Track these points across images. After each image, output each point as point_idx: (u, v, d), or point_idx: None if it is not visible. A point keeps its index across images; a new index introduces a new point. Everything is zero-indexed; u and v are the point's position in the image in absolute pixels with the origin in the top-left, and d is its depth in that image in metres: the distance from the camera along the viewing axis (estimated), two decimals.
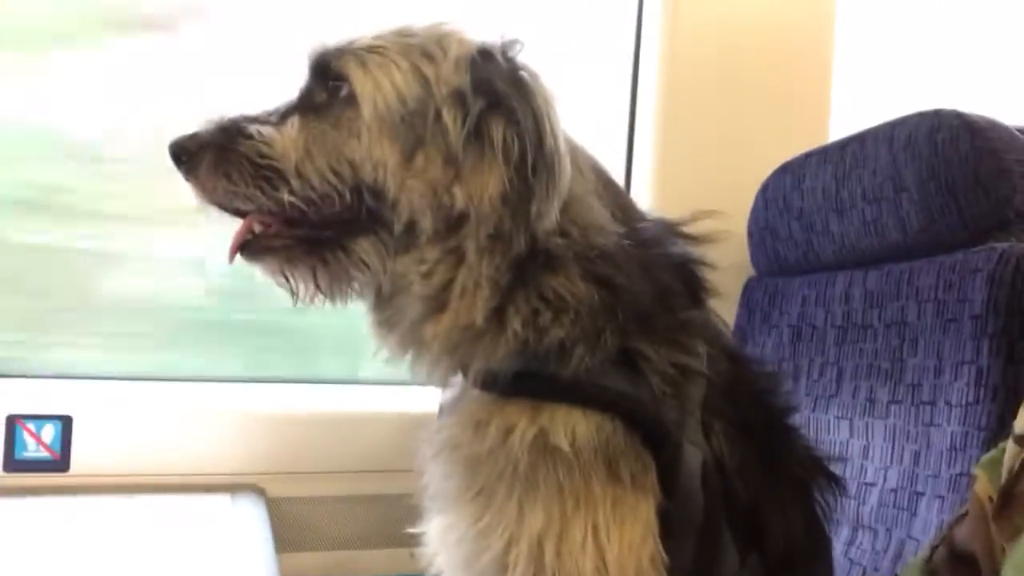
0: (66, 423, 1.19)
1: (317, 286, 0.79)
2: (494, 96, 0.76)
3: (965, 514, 0.76)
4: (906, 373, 1.11)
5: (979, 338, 1.00)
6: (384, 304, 0.81)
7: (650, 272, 0.78)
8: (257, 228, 0.79)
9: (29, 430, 1.17)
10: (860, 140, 1.24)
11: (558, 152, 0.75)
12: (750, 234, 1.46)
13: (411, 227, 0.76)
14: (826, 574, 0.85)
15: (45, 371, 1.36)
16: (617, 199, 0.85)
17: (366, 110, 0.76)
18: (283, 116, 0.79)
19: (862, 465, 1.15)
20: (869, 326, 1.20)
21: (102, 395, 1.29)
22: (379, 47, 0.79)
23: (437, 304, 0.76)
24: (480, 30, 0.82)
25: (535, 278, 0.75)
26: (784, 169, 1.38)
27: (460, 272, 0.75)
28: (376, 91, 0.77)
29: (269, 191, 0.76)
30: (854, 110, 1.77)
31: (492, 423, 0.75)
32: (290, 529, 1.28)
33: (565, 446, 0.71)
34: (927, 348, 1.09)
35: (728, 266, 1.48)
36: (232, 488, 1.25)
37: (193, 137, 0.77)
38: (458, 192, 0.75)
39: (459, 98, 0.76)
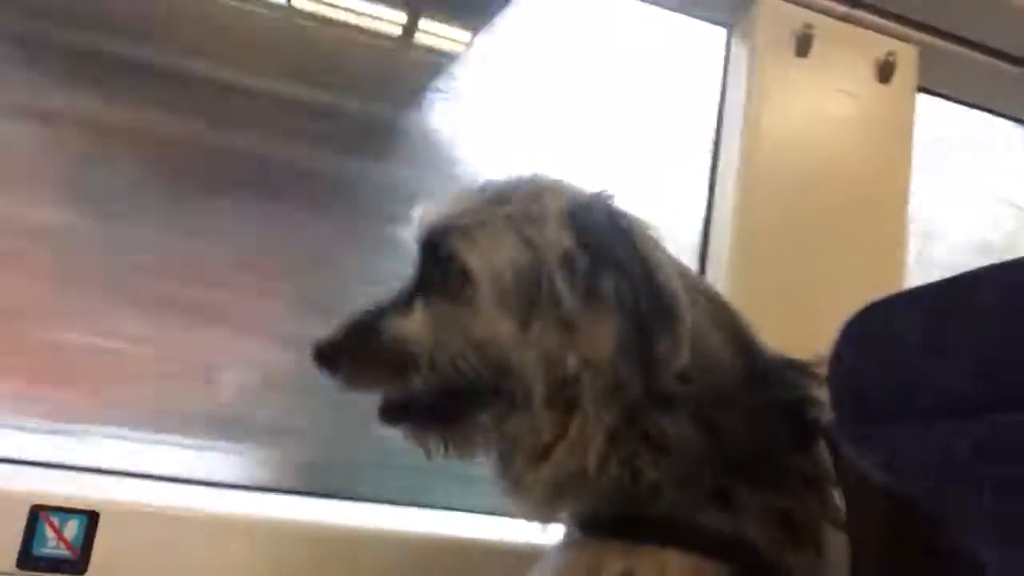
0: (92, 519, 1.09)
1: (445, 448, 0.84)
2: (600, 250, 0.77)
3: None
4: None
5: None
6: (501, 457, 0.84)
7: (758, 414, 0.78)
8: (397, 396, 0.84)
9: (52, 524, 1.08)
10: (959, 282, 1.18)
11: (674, 294, 0.75)
12: (830, 377, 1.37)
13: (527, 394, 0.77)
14: None
15: (73, 462, 1.27)
16: (734, 327, 0.83)
17: (483, 288, 0.78)
18: (407, 301, 0.83)
19: None
20: (978, 484, 1.09)
21: (132, 492, 1.20)
22: (482, 221, 0.80)
23: (540, 454, 0.78)
24: (571, 176, 0.84)
25: (642, 419, 0.76)
26: (871, 309, 1.31)
27: (572, 426, 0.76)
28: (489, 266, 0.78)
29: (401, 379, 0.81)
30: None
31: (582, 566, 0.76)
32: None
33: None
34: None
35: None
36: None
37: (332, 341, 0.82)
38: (571, 356, 0.76)
39: (567, 259, 0.77)
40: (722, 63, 1.67)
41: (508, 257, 0.78)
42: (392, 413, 0.84)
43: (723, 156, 1.63)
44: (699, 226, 1.64)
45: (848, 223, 1.62)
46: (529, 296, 0.77)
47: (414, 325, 0.81)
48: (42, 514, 1.08)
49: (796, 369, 0.85)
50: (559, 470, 0.77)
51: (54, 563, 1.07)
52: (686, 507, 0.74)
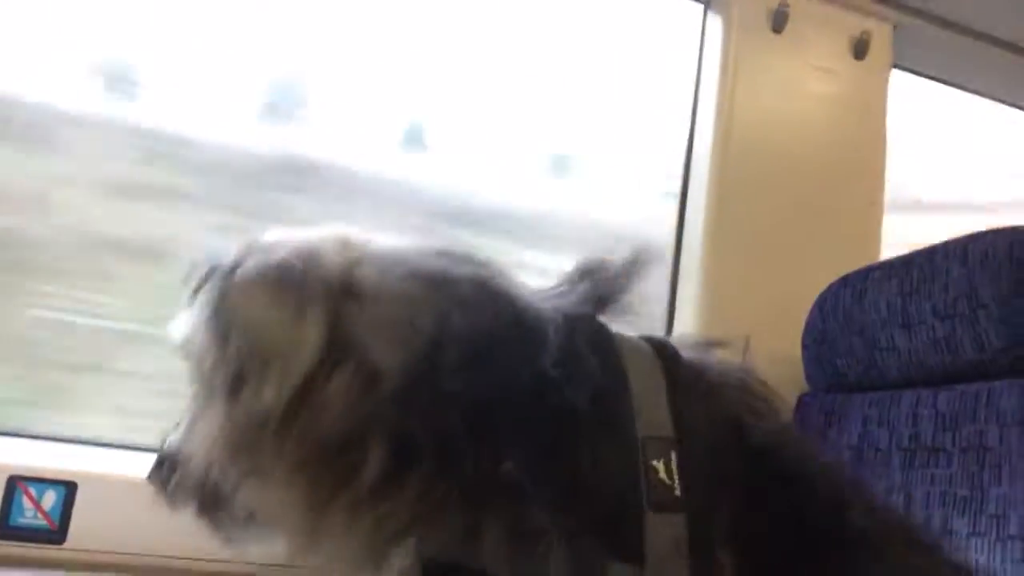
0: (70, 489, 1.10)
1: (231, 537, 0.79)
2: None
3: None
4: (988, 503, 1.02)
5: None
6: None
7: (502, 410, 0.62)
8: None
9: (29, 494, 1.08)
10: (928, 255, 1.20)
11: (271, 336, 0.67)
12: (805, 348, 1.40)
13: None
14: None
15: (51, 433, 1.27)
16: (455, 293, 0.67)
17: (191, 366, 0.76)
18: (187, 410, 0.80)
19: None
20: (942, 449, 1.12)
21: (110, 463, 1.20)
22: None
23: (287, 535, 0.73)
24: None
25: (350, 470, 0.65)
26: (844, 282, 1.34)
27: (278, 502, 0.70)
28: (191, 356, 0.76)
29: (169, 489, 0.78)
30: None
31: None
32: None
33: None
34: (1013, 476, 1.00)
35: (780, 382, 1.43)
36: None
37: (156, 462, 0.81)
38: (219, 436, 0.70)
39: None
40: (698, 39, 1.67)
41: (197, 344, 0.73)
42: (198, 511, 0.80)
43: (699, 131, 1.64)
44: (676, 201, 1.65)
45: (823, 198, 1.64)
46: (206, 380, 0.73)
47: (176, 433, 0.79)
48: (20, 484, 1.08)
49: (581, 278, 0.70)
50: (293, 545, 0.72)
51: (32, 533, 1.07)
52: (452, 550, 0.61)
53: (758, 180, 1.60)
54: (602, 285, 0.71)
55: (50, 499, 1.09)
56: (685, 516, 0.60)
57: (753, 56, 1.63)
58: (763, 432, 0.67)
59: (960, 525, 1.05)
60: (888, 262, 1.29)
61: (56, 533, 1.09)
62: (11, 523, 1.07)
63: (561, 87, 1.67)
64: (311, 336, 0.65)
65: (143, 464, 1.23)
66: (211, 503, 0.77)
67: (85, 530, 1.11)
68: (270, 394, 0.66)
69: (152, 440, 1.30)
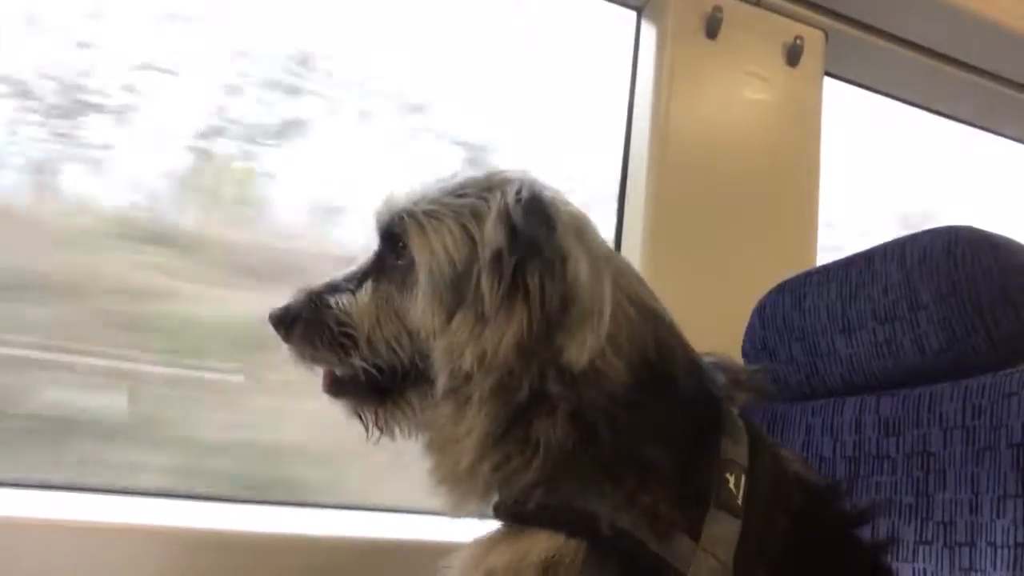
0: None
1: (378, 425, 0.88)
2: (527, 247, 0.78)
3: None
4: (934, 509, 0.99)
5: (1023, 469, 0.90)
6: (424, 446, 0.87)
7: (649, 416, 0.78)
8: (339, 372, 0.87)
9: None
10: (866, 258, 1.18)
11: (584, 288, 0.76)
12: (745, 356, 1.36)
13: (436, 384, 0.81)
14: None
15: None
16: (655, 332, 0.83)
17: (422, 277, 0.82)
18: (359, 281, 0.87)
19: None
20: (886, 456, 1.09)
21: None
22: (436, 211, 0.83)
23: (439, 449, 0.83)
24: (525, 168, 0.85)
25: (522, 423, 0.77)
26: (782, 288, 1.31)
27: (457, 423, 0.79)
28: (431, 257, 0.82)
29: (344, 357, 0.84)
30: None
31: (468, 559, 0.79)
32: None
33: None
34: (958, 481, 0.97)
35: None
36: None
37: (287, 309, 0.86)
38: (470, 351, 0.77)
39: (496, 258, 0.79)
40: (632, 45, 1.65)
41: (450, 251, 0.81)
42: (335, 387, 0.88)
43: (635, 137, 1.62)
44: (613, 205, 1.62)
45: (759, 203, 1.62)
46: (460, 290, 0.80)
47: (359, 305, 0.85)
48: None
49: (720, 368, 0.87)
50: (439, 467, 0.82)
51: None
52: (560, 496, 0.76)
53: (694, 186, 1.57)
54: (737, 372, 0.91)
55: None
56: (741, 523, 0.76)
57: (688, 62, 1.61)
58: (809, 487, 0.84)
59: (907, 533, 1.02)
60: (826, 267, 1.26)
61: None
62: None
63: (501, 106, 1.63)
64: (607, 311, 0.77)
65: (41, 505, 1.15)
66: (383, 386, 0.85)
67: None
68: (587, 343, 0.75)
69: None
